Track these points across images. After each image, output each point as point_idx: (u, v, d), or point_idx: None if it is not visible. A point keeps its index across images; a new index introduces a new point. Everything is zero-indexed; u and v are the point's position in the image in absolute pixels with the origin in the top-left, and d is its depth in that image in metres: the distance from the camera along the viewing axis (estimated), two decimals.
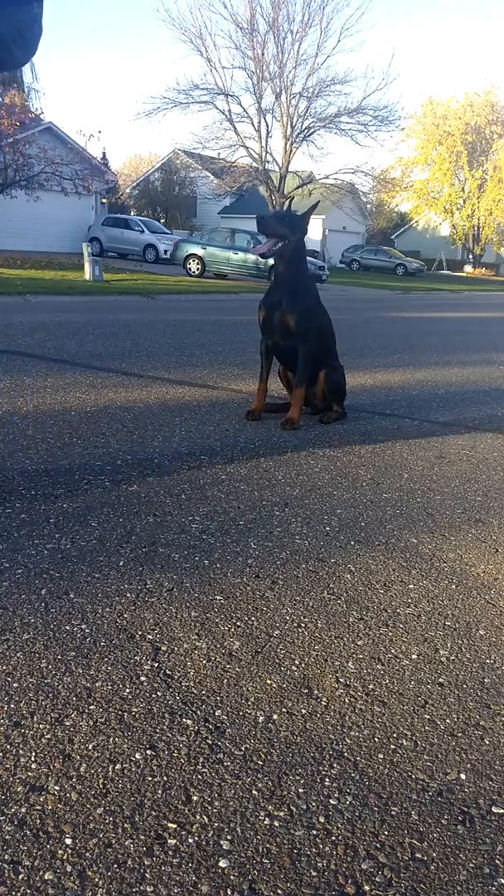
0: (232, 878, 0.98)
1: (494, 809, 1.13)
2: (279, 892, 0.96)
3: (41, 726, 1.24)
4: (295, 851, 1.02)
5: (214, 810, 1.09)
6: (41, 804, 1.07)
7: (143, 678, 1.39)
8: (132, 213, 34.31)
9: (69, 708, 1.29)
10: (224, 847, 1.02)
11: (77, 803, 1.08)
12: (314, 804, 1.11)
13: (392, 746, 1.26)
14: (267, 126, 26.88)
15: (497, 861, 1.03)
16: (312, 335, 3.48)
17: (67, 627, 1.55)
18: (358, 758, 1.22)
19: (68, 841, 1.02)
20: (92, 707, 1.30)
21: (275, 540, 2.10)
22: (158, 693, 1.35)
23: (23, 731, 1.23)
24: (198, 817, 1.07)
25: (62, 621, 1.57)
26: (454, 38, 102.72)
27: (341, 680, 1.44)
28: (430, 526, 2.31)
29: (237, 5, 38.97)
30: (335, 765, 1.20)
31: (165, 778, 1.14)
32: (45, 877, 0.96)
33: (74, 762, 1.16)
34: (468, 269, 42.41)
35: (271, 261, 3.73)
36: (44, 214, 23.78)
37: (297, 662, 1.49)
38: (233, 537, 2.09)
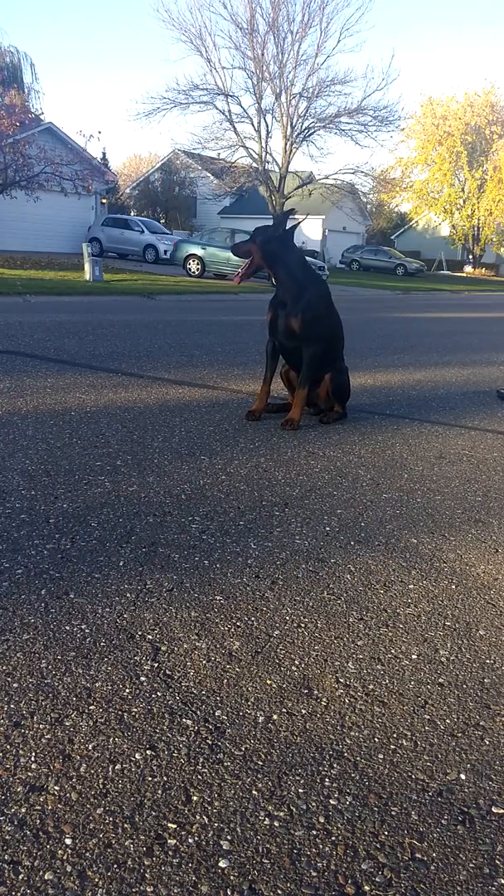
0: (232, 878, 0.97)
1: (494, 809, 1.13)
2: (279, 892, 0.96)
3: (41, 726, 1.24)
4: (295, 851, 1.02)
5: (214, 810, 1.09)
6: (41, 804, 1.07)
7: (143, 678, 1.39)
8: (132, 214, 34.34)
9: (69, 708, 1.29)
10: (224, 847, 1.02)
11: (77, 803, 1.08)
12: (314, 804, 1.11)
13: (392, 746, 1.26)
14: (267, 126, 26.87)
15: (497, 861, 1.03)
16: (318, 338, 3.48)
17: (67, 627, 1.55)
18: (358, 758, 1.22)
19: (68, 841, 1.01)
20: (92, 707, 1.30)
21: (275, 540, 2.10)
22: (158, 693, 1.35)
23: (23, 731, 1.22)
24: (198, 817, 1.07)
25: (62, 621, 1.57)
26: (454, 38, 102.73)
27: (341, 680, 1.44)
28: (430, 526, 2.31)
29: (237, 5, 38.89)
30: (335, 765, 1.20)
31: (165, 778, 1.14)
32: (45, 877, 0.96)
33: (74, 762, 1.16)
34: (468, 269, 42.41)
35: None
36: (44, 214, 23.78)
37: (297, 662, 1.49)
38: (233, 537, 2.09)
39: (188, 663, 1.45)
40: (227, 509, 2.31)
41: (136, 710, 1.30)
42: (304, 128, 27.03)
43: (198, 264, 19.54)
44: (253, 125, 26.95)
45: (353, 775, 1.18)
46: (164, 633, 1.56)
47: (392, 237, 49.49)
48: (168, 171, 37.37)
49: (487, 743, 1.28)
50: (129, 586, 1.75)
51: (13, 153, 19.16)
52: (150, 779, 1.14)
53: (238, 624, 1.62)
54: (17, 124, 19.16)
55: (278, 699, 1.36)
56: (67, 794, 1.10)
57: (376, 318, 11.60)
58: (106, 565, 1.86)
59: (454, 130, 40.61)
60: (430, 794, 1.15)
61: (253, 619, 1.65)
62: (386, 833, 1.07)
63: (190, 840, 1.03)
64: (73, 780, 1.13)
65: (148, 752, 1.20)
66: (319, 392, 3.66)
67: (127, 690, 1.35)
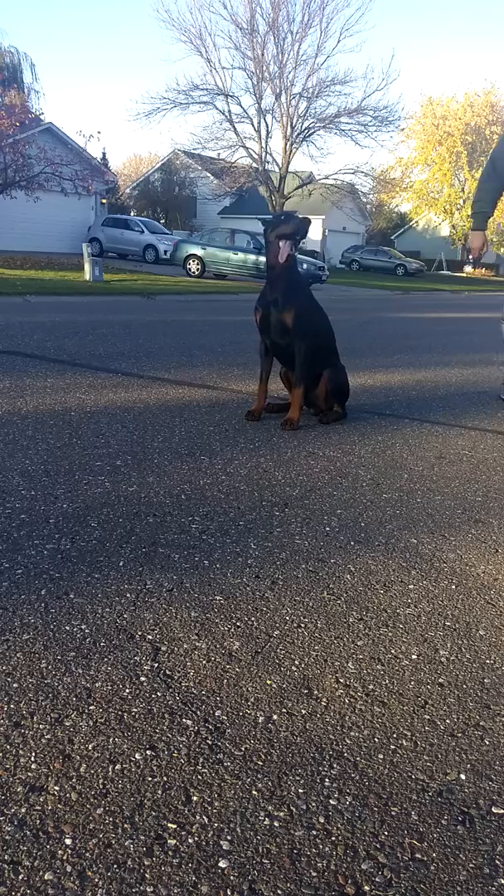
0: (232, 878, 0.97)
1: (494, 809, 1.13)
2: (279, 892, 0.96)
3: (41, 726, 1.24)
4: (295, 851, 1.02)
5: (214, 810, 1.09)
6: (41, 804, 1.07)
7: (143, 678, 1.39)
8: (132, 214, 34.35)
9: (69, 708, 1.29)
10: (224, 847, 1.02)
11: (77, 803, 1.08)
12: (314, 804, 1.11)
13: (392, 746, 1.25)
14: (267, 126, 26.90)
15: (497, 861, 1.03)
16: (309, 333, 3.49)
17: (67, 627, 1.55)
18: (358, 758, 1.22)
19: (68, 841, 1.01)
20: (92, 707, 1.30)
21: (275, 540, 2.10)
22: (158, 693, 1.35)
23: (23, 731, 1.22)
24: (198, 817, 1.07)
25: (62, 621, 1.57)
26: (454, 38, 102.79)
27: (341, 680, 1.44)
28: (430, 526, 2.31)
29: (237, 6, 38.97)
30: (335, 765, 1.20)
31: (165, 778, 1.14)
32: (45, 877, 0.96)
33: (74, 762, 1.16)
34: (468, 269, 42.40)
35: None
36: (44, 215, 23.79)
37: (297, 662, 1.48)
38: (233, 537, 2.09)
39: (188, 663, 1.45)
40: (227, 509, 2.31)
41: (136, 710, 1.30)
42: (304, 128, 27.05)
43: (198, 264, 19.54)
44: (253, 125, 26.98)
45: (353, 775, 1.18)
46: (164, 633, 1.56)
47: (392, 237, 49.49)
48: (168, 171, 37.38)
49: (487, 743, 1.28)
50: (129, 586, 1.75)
51: (13, 153, 19.17)
52: (150, 779, 1.14)
53: (238, 624, 1.62)
54: (17, 124, 19.17)
55: (278, 699, 1.36)
56: (67, 794, 1.10)
57: (376, 318, 11.60)
58: (106, 565, 1.86)
59: (454, 130, 40.63)
60: (430, 794, 1.15)
61: (253, 619, 1.65)
62: (386, 833, 1.07)
63: (190, 840, 1.03)
64: (73, 780, 1.13)
65: (148, 752, 1.20)
66: (318, 392, 3.66)
67: (127, 690, 1.35)
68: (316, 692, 1.39)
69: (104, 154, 43.96)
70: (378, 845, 1.05)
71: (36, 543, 1.95)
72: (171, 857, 1.00)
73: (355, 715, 1.33)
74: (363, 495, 2.56)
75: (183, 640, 1.53)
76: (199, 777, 1.15)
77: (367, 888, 0.97)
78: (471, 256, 4.17)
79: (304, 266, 18.18)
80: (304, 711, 1.33)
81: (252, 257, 19.26)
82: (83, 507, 2.23)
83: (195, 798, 1.11)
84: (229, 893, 0.95)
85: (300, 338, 3.45)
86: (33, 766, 1.15)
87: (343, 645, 1.57)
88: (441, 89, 74.19)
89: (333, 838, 1.05)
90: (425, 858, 1.03)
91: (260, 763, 1.19)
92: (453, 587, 1.89)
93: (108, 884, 0.95)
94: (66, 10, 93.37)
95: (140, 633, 1.55)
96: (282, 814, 1.09)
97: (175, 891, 0.95)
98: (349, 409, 3.84)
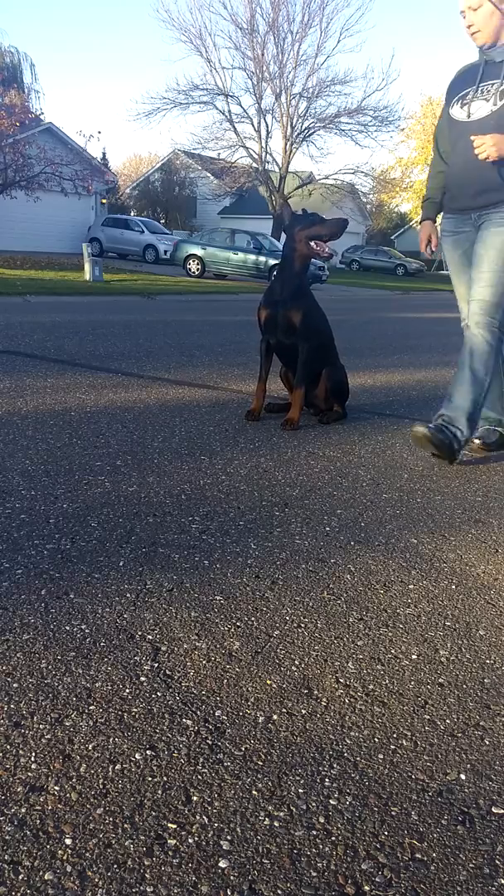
0: (232, 878, 0.97)
1: (494, 809, 1.13)
2: (279, 892, 0.96)
3: (41, 726, 1.24)
4: (295, 851, 1.02)
5: (214, 810, 1.09)
6: (41, 804, 1.07)
7: (143, 678, 1.39)
8: (132, 214, 34.36)
9: (69, 708, 1.29)
10: (224, 847, 1.02)
11: (77, 803, 1.08)
12: (314, 804, 1.11)
13: (392, 746, 1.25)
14: (267, 126, 26.92)
15: (497, 861, 1.03)
16: (314, 333, 3.50)
17: (67, 627, 1.55)
18: (358, 758, 1.22)
19: (68, 841, 1.01)
20: (92, 707, 1.30)
21: (275, 540, 2.10)
22: (158, 693, 1.35)
23: (23, 731, 1.22)
24: (198, 817, 1.07)
25: (62, 621, 1.57)
26: (454, 38, 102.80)
27: (341, 680, 1.44)
28: (430, 526, 2.31)
29: (237, 6, 39.01)
30: (335, 765, 1.20)
31: (165, 778, 1.14)
32: (45, 877, 0.96)
33: (74, 762, 1.16)
34: None
35: (272, 261, 3.77)
36: (44, 215, 23.81)
37: (297, 662, 1.48)
38: (233, 537, 2.09)
39: (188, 663, 1.45)
40: (227, 509, 2.31)
41: (136, 710, 1.30)
42: (304, 128, 27.08)
43: (198, 264, 19.55)
44: (253, 125, 27.00)
45: (353, 775, 1.18)
46: (164, 633, 1.56)
47: (392, 237, 49.50)
48: (168, 171, 37.39)
49: (487, 743, 1.28)
50: (129, 586, 1.75)
51: (13, 153, 19.19)
52: (150, 779, 1.14)
53: (238, 624, 1.62)
54: (17, 124, 19.19)
55: (278, 699, 1.36)
56: (67, 794, 1.10)
57: (376, 318, 11.60)
58: (106, 565, 1.86)
59: None
60: (430, 794, 1.15)
61: (253, 619, 1.65)
62: (386, 833, 1.07)
63: (190, 840, 1.03)
64: (73, 780, 1.13)
65: (148, 752, 1.20)
66: (318, 392, 3.67)
67: (127, 690, 1.35)
68: (316, 692, 1.39)
69: (104, 154, 44.01)
70: (378, 845, 1.05)
71: (36, 543, 1.95)
72: (171, 857, 1.00)
73: (355, 715, 1.33)
74: (363, 495, 2.56)
75: (183, 640, 1.53)
76: (199, 777, 1.15)
77: (367, 888, 0.97)
78: (422, 252, 3.43)
79: None
80: (304, 711, 1.33)
81: (252, 257, 19.27)
82: (83, 507, 2.23)
83: (195, 798, 1.11)
84: (229, 893, 0.95)
85: (305, 337, 3.45)
86: (33, 766, 1.15)
87: (343, 645, 1.57)
88: (441, 89, 74.14)
89: (333, 838, 1.05)
90: (425, 858, 1.03)
91: (260, 763, 1.19)
92: (453, 587, 1.89)
93: (108, 884, 0.95)
94: (66, 10, 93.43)
95: (140, 633, 1.55)
96: (282, 814, 1.09)
97: (175, 891, 0.95)
98: (349, 409, 3.84)
